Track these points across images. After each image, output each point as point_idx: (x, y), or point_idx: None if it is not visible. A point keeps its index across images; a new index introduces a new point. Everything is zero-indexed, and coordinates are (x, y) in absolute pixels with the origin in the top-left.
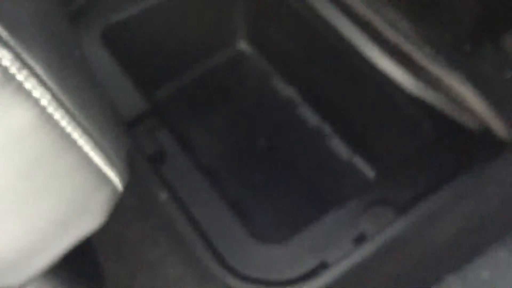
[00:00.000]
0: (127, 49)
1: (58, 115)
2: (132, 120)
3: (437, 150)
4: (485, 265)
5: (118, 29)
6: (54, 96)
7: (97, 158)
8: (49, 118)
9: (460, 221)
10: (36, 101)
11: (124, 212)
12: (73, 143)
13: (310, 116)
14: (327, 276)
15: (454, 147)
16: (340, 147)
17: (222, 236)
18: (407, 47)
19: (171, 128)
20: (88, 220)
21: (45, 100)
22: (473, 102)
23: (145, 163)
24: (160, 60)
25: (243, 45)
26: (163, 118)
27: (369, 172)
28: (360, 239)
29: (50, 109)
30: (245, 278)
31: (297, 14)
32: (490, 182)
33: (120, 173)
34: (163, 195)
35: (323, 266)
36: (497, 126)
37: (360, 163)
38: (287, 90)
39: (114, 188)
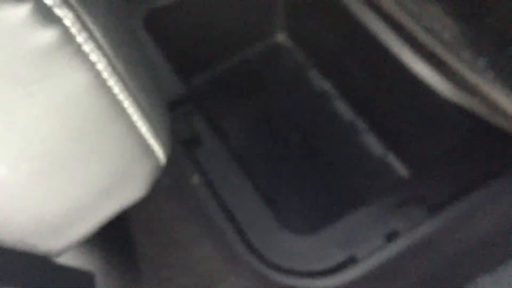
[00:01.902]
0: (168, 35)
1: (112, 81)
2: (169, 104)
3: (473, 150)
4: None
5: (161, 14)
6: (109, 61)
7: (144, 128)
8: (103, 83)
9: (494, 223)
10: (92, 65)
11: (158, 191)
12: (123, 110)
13: (344, 111)
14: (355, 271)
15: (490, 148)
16: (374, 144)
17: (251, 222)
18: (442, 51)
19: (206, 114)
20: (130, 189)
21: (101, 64)
22: (511, 109)
23: (179, 146)
24: (199, 47)
25: (281, 38)
26: (198, 104)
27: (403, 171)
28: (391, 236)
29: (105, 74)
30: (272, 266)
31: (337, 9)
32: None
33: (163, 146)
34: (196, 179)
35: (352, 261)
36: None
37: (393, 160)
38: (322, 84)
39: (157, 159)
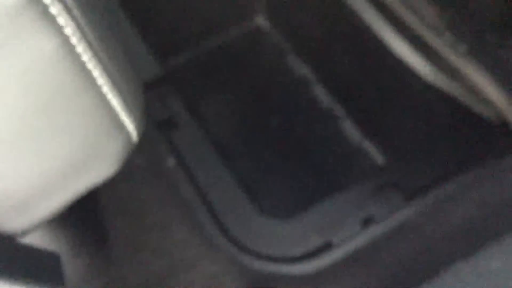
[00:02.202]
0: (145, 14)
1: (80, 47)
2: (145, 85)
3: (451, 137)
4: (497, 254)
5: None
6: (79, 26)
7: (115, 101)
8: (71, 49)
9: (471, 210)
10: (60, 29)
11: (132, 173)
12: (93, 80)
13: (323, 96)
14: (332, 256)
15: (469, 135)
16: (351, 130)
17: (227, 207)
18: (426, 33)
19: (183, 96)
20: (101, 166)
21: (69, 29)
22: (491, 94)
23: (155, 128)
24: (177, 27)
25: (260, 20)
26: (176, 86)
27: (380, 157)
28: (367, 222)
29: (74, 40)
30: (247, 251)
31: None
32: (505, 172)
33: (136, 122)
34: (171, 161)
35: (328, 246)
36: None
37: (370, 147)
38: (302, 69)
39: (129, 136)
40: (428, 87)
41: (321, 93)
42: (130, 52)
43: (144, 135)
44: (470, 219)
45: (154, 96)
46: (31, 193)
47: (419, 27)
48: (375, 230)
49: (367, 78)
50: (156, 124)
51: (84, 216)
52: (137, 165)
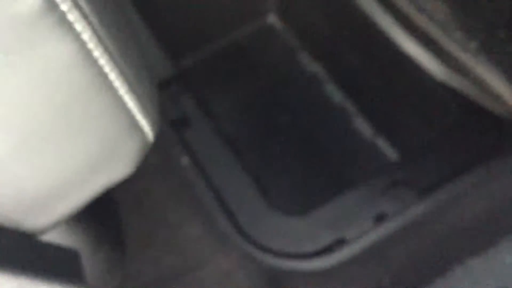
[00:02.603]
0: (158, 14)
1: (97, 52)
2: (158, 84)
3: (463, 133)
4: (509, 249)
5: None
6: (95, 31)
7: (131, 103)
8: (88, 54)
9: (484, 206)
10: (77, 35)
11: (147, 170)
12: (109, 83)
13: (335, 93)
14: (344, 253)
15: (481, 132)
16: (363, 127)
17: (240, 204)
18: (435, 31)
19: (196, 95)
20: (117, 166)
21: (86, 35)
22: (502, 91)
23: (168, 127)
24: (189, 27)
25: (272, 19)
26: (188, 85)
27: (392, 154)
28: (380, 218)
29: (91, 45)
30: (260, 247)
31: None
32: None
33: (151, 122)
34: (185, 160)
35: (340, 243)
36: None
37: (383, 144)
38: (313, 66)
39: (145, 136)
40: (439, 84)
41: (332, 90)
42: (143, 52)
43: (158, 134)
44: (482, 215)
45: (167, 96)
46: (50, 193)
47: (428, 26)
48: (388, 227)
49: (378, 75)
50: (169, 123)
51: (101, 214)
52: (151, 163)
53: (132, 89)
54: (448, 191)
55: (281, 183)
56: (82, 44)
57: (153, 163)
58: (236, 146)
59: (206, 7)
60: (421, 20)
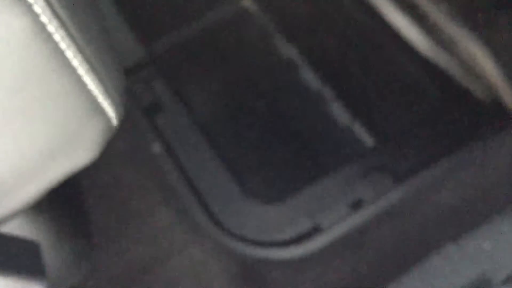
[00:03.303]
0: None
1: (52, 27)
2: (129, 69)
3: (440, 120)
4: (487, 235)
5: None
6: (49, 4)
7: (92, 84)
8: (42, 28)
9: (461, 191)
10: (29, 7)
11: (116, 158)
12: (66, 61)
13: (311, 79)
14: (321, 240)
15: (458, 118)
16: (340, 113)
17: (214, 192)
18: (424, 2)
19: (168, 81)
20: (79, 152)
21: (38, 7)
22: (486, 68)
23: (139, 112)
24: (161, 10)
25: (247, 2)
26: (161, 70)
27: (369, 140)
28: (356, 205)
29: (44, 18)
30: (235, 236)
31: None
32: (494, 154)
33: (115, 106)
34: (156, 146)
35: (316, 229)
36: (509, 97)
37: (359, 130)
38: (289, 51)
39: (108, 120)
40: (418, 68)
41: (309, 76)
42: (113, 36)
43: (128, 119)
44: (459, 201)
45: (138, 80)
46: (7, 180)
47: None
48: (364, 213)
49: (356, 60)
50: (140, 109)
51: (65, 203)
52: (120, 150)
53: (93, 69)
54: (425, 178)
55: (256, 171)
56: (35, 17)
57: (122, 150)
58: (210, 133)
59: None
60: None
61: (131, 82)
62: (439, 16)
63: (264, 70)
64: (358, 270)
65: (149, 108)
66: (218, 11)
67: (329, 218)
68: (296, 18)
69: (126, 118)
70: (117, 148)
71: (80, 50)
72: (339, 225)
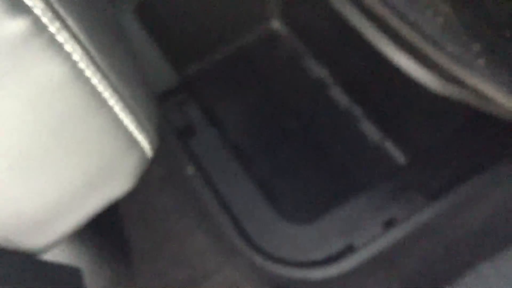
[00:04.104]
0: (160, 24)
1: (89, 71)
2: (162, 94)
3: (471, 136)
4: None
5: (152, 3)
6: (86, 51)
7: (127, 120)
8: (80, 74)
9: (493, 209)
10: (67, 55)
11: (152, 182)
12: (103, 102)
13: (341, 98)
14: (354, 259)
15: (488, 135)
16: (371, 131)
17: (248, 213)
18: (426, 46)
19: (201, 103)
20: (116, 183)
21: (77, 55)
22: (500, 99)
23: (173, 137)
24: (192, 35)
25: (276, 25)
26: (193, 94)
27: (400, 157)
28: (389, 224)
29: (82, 65)
30: (270, 257)
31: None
32: None
33: (150, 138)
34: (190, 169)
35: (350, 249)
36: None
37: (391, 147)
38: (318, 71)
39: (143, 152)
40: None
41: (338, 95)
42: (146, 63)
43: (162, 144)
44: (492, 219)
45: (171, 105)
46: (49, 213)
47: (419, 40)
48: (397, 232)
49: (384, 78)
50: (174, 133)
51: (105, 228)
52: (155, 174)
53: (127, 105)
54: (458, 195)
55: (289, 191)
56: (73, 64)
57: (158, 173)
58: (242, 154)
59: (209, 15)
60: (411, 35)
61: (164, 108)
62: (444, 57)
63: (294, 90)
64: None
65: (183, 132)
66: (248, 35)
67: (362, 237)
68: (323, 38)
69: (160, 142)
70: (152, 173)
71: (116, 90)
72: (372, 244)
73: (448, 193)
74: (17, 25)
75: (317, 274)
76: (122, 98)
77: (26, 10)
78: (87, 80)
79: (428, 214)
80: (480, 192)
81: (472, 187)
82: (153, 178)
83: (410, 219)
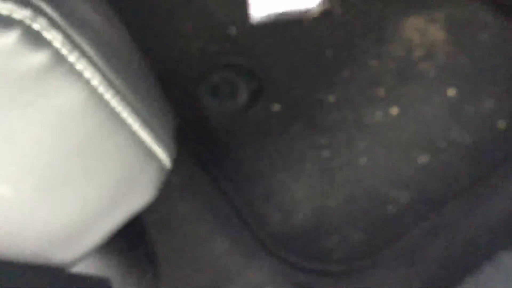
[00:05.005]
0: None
1: (108, 94)
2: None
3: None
4: None
5: None
6: (104, 75)
7: (145, 135)
8: (99, 97)
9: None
10: (87, 81)
11: (172, 189)
12: (122, 121)
13: None
14: (374, 256)
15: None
16: None
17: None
18: None
19: None
20: (137, 196)
21: (96, 80)
22: None
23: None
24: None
25: None
26: None
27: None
28: None
29: (101, 89)
30: (289, 263)
31: None
32: None
33: (167, 151)
34: (206, 177)
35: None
36: None
37: None
38: None
39: (162, 164)
40: None
41: None
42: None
43: (181, 150)
44: (510, 210)
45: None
46: (75, 229)
47: None
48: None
49: None
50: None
51: (130, 238)
52: (175, 182)
53: (145, 121)
54: (476, 188)
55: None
56: (93, 89)
57: (177, 181)
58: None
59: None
60: None
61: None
62: None
63: None
64: (411, 285)
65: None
66: None
67: None
68: None
69: (179, 148)
70: (171, 180)
71: (133, 108)
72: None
73: (467, 187)
74: (39, 58)
75: (337, 269)
76: (139, 114)
77: (46, 44)
78: (106, 103)
79: (446, 208)
80: (497, 184)
81: (490, 180)
82: (173, 185)
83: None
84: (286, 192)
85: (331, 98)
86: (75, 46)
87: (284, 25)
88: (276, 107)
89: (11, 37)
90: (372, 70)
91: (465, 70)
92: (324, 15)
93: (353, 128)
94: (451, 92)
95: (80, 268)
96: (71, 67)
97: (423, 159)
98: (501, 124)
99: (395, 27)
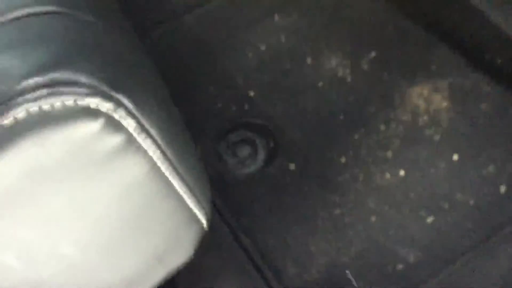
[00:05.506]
0: None
1: (163, 167)
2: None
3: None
4: None
5: None
6: (162, 152)
7: (190, 201)
8: (158, 171)
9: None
10: (150, 158)
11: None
12: (173, 189)
13: None
14: None
15: None
16: None
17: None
18: None
19: None
20: (180, 254)
21: (156, 156)
22: None
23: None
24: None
25: None
26: None
27: None
28: None
29: (159, 163)
30: None
31: None
32: None
33: (207, 214)
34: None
35: None
36: None
37: None
38: None
39: (202, 226)
40: None
41: None
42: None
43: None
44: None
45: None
46: (126, 284)
47: None
48: None
49: None
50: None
51: None
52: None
53: (190, 189)
54: (480, 249)
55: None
56: (153, 165)
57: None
58: None
59: None
60: None
61: None
62: None
63: None
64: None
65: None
66: None
67: None
68: None
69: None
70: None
71: (182, 178)
72: None
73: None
74: (116, 141)
75: None
76: (186, 183)
77: (123, 129)
78: (162, 175)
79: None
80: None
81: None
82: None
83: None
84: (300, 247)
85: (343, 159)
86: (143, 128)
87: (300, 90)
88: (291, 165)
89: (97, 125)
90: (380, 134)
91: (467, 137)
92: (337, 82)
93: (363, 187)
94: (455, 156)
95: None
96: (139, 147)
97: (429, 219)
98: (502, 188)
99: (402, 95)
